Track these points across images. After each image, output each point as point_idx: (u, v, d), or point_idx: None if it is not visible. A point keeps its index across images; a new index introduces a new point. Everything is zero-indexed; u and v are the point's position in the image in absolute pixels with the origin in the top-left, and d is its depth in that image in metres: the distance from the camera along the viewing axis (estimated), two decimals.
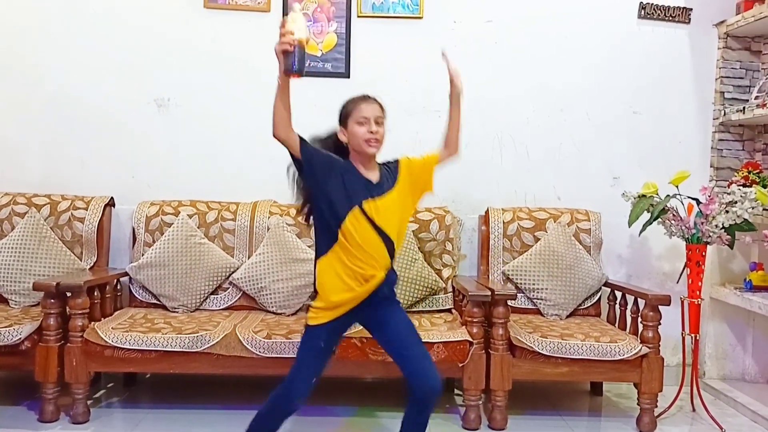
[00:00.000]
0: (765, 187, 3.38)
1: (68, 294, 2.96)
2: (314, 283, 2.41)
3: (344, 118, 2.41)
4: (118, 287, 3.46)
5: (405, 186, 2.42)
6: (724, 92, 3.83)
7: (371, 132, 2.34)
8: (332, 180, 2.33)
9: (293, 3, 2.46)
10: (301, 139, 2.32)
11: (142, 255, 3.42)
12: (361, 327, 2.57)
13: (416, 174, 2.46)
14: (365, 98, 2.42)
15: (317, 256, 2.39)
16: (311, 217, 2.46)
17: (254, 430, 2.44)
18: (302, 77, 2.22)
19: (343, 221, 2.30)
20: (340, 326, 2.42)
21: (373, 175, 2.40)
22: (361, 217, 2.31)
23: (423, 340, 2.54)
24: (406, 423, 2.44)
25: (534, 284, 3.47)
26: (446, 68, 2.47)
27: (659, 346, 3.07)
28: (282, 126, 2.26)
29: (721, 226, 3.25)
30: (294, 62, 2.18)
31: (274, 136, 2.28)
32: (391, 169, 2.45)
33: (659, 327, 3.07)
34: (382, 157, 2.47)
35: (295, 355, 2.62)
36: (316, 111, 3.73)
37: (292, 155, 2.34)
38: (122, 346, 2.92)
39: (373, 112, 2.37)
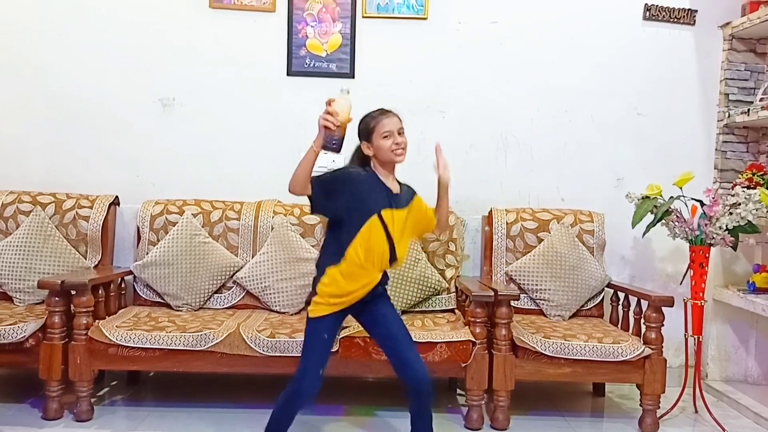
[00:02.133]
0: None
1: (73, 292, 2.98)
2: (314, 282, 2.51)
3: (367, 133, 2.52)
4: (123, 286, 3.47)
5: (412, 214, 2.58)
6: (728, 94, 3.82)
7: (396, 143, 2.48)
8: (346, 199, 2.44)
9: (343, 85, 2.62)
10: (311, 179, 2.43)
11: (147, 254, 3.43)
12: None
13: (421, 215, 2.64)
14: (385, 113, 2.53)
15: (326, 263, 2.49)
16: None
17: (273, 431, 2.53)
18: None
19: (359, 229, 2.43)
20: (338, 319, 2.55)
21: (394, 186, 2.55)
22: (377, 224, 2.45)
23: (426, 340, 2.88)
24: (413, 418, 2.58)
25: (537, 285, 3.47)
26: (436, 161, 2.58)
27: (662, 347, 3.07)
28: (299, 188, 2.42)
29: (724, 228, 3.25)
30: (333, 141, 2.37)
31: (289, 191, 2.43)
32: (407, 191, 2.61)
33: (662, 328, 3.07)
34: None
35: (298, 355, 2.78)
36: (320, 111, 3.78)
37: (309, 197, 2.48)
38: (126, 345, 2.93)
39: (394, 125, 2.50)
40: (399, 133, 2.50)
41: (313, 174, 2.42)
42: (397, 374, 2.54)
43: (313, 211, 2.56)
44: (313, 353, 2.49)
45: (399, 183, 2.60)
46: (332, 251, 2.48)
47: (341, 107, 2.38)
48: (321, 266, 2.51)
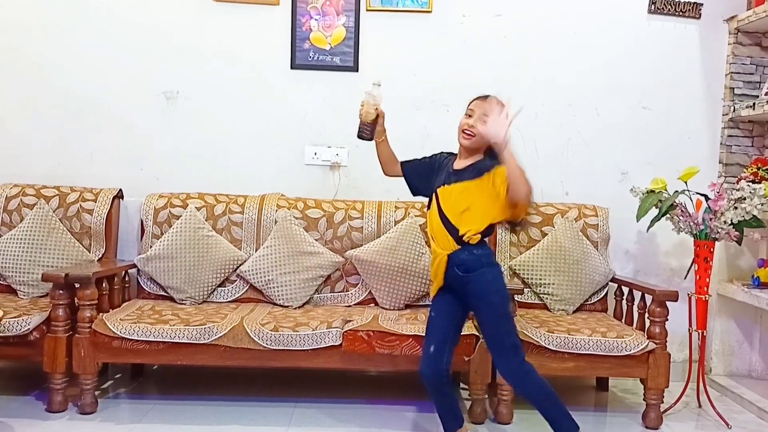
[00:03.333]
0: None
1: (77, 285, 2.98)
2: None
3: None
4: (127, 279, 3.48)
5: (484, 185, 2.51)
6: (734, 88, 3.80)
7: (469, 125, 2.56)
8: (431, 179, 2.66)
9: (375, 81, 2.74)
10: (402, 164, 2.74)
11: (150, 247, 3.44)
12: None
13: (487, 186, 2.52)
14: (485, 96, 2.61)
15: None
16: None
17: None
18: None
19: (430, 205, 2.64)
20: (447, 300, 2.63)
21: (465, 163, 2.60)
22: (434, 201, 2.60)
23: None
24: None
25: (541, 279, 3.47)
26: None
27: (666, 341, 3.06)
28: (387, 170, 2.76)
29: (729, 223, 3.24)
30: (366, 132, 2.68)
31: (385, 174, 2.78)
32: (483, 165, 2.55)
33: (666, 323, 3.07)
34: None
35: (301, 349, 2.93)
36: (324, 104, 3.79)
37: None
38: (130, 338, 2.93)
39: (476, 106, 2.58)
40: (482, 120, 2.51)
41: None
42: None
43: (413, 194, 2.77)
44: (426, 332, 2.68)
45: (485, 159, 2.55)
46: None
47: (374, 98, 2.68)
48: None
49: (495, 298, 2.54)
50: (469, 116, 2.56)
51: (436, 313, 2.64)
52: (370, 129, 2.67)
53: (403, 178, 2.75)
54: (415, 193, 2.77)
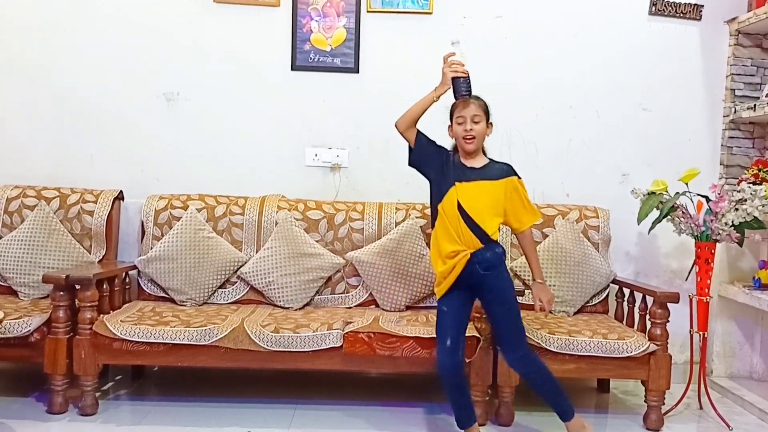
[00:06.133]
0: None
1: (77, 287, 2.98)
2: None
3: (450, 116, 2.79)
4: (127, 280, 3.48)
5: (500, 190, 2.76)
6: (734, 89, 3.80)
7: (466, 130, 2.71)
8: (437, 165, 2.75)
9: (454, 39, 2.88)
10: (419, 132, 2.77)
11: (151, 248, 3.44)
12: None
13: (508, 198, 2.79)
14: (467, 98, 2.73)
15: (432, 226, 2.81)
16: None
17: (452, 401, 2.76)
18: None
19: (442, 199, 2.70)
20: (459, 296, 2.74)
21: (475, 163, 2.77)
22: (453, 196, 2.68)
23: (431, 336, 2.92)
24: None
25: None
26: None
27: (667, 343, 3.06)
28: (406, 124, 2.75)
29: (730, 224, 3.23)
30: (466, 86, 2.70)
31: (395, 125, 2.76)
32: (499, 168, 2.80)
33: (667, 324, 3.06)
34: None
35: (302, 350, 2.96)
36: (324, 105, 3.79)
37: (409, 146, 2.79)
38: (131, 339, 2.93)
39: (469, 112, 2.71)
40: (473, 121, 2.70)
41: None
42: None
43: (410, 162, 2.79)
44: (439, 327, 2.73)
45: (492, 161, 2.80)
46: (433, 216, 2.78)
47: (462, 56, 2.71)
48: (432, 228, 2.79)
49: (512, 294, 2.78)
50: (461, 123, 2.72)
51: (448, 308, 2.73)
52: (467, 84, 2.69)
53: (407, 143, 2.78)
54: (413, 163, 2.80)
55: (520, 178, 2.81)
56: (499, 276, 2.74)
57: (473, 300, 2.81)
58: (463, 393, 2.74)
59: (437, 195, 2.74)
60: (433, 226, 2.80)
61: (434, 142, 2.79)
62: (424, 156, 2.77)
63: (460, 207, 2.67)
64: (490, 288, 2.73)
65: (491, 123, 2.79)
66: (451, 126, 2.79)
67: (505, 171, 2.78)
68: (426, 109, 2.72)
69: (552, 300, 2.88)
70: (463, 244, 2.67)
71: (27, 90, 3.74)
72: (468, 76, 2.70)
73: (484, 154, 2.82)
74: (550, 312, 3.44)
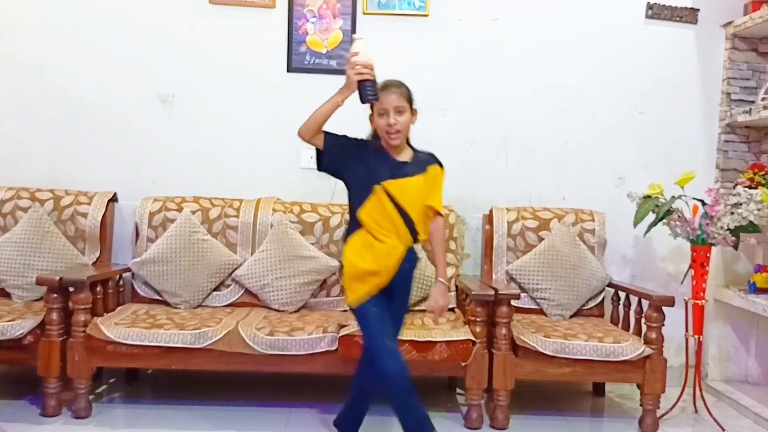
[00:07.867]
0: None
1: (71, 289, 2.97)
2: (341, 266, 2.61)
3: (372, 106, 2.48)
4: (121, 283, 3.46)
5: (428, 182, 2.51)
6: (730, 93, 3.81)
7: (390, 124, 2.43)
8: (354, 165, 2.46)
9: (354, 35, 2.54)
10: (326, 134, 2.46)
11: (145, 251, 3.42)
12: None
13: (428, 189, 2.52)
14: (386, 87, 2.44)
15: (344, 239, 2.54)
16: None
17: (404, 420, 2.42)
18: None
19: (365, 202, 2.43)
20: (381, 297, 2.46)
21: (404, 156, 2.51)
22: (383, 195, 2.41)
23: (426, 339, 2.93)
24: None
25: (537, 284, 3.46)
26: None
27: (662, 347, 3.06)
28: (310, 132, 2.43)
29: (726, 228, 3.23)
30: (372, 91, 2.35)
31: (298, 134, 2.45)
32: (425, 159, 2.53)
33: (663, 328, 3.06)
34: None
35: (297, 353, 2.91)
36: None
37: (317, 149, 2.49)
38: (124, 342, 2.92)
39: (390, 103, 2.42)
40: (397, 112, 2.42)
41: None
42: None
43: (319, 167, 2.51)
44: (372, 330, 2.43)
45: (416, 151, 2.54)
46: (351, 220, 2.51)
47: (367, 55, 2.34)
48: (344, 237, 2.54)
49: (408, 307, 2.66)
50: (382, 115, 2.44)
51: (378, 308, 2.44)
52: (374, 87, 2.35)
53: (314, 147, 2.48)
54: (325, 167, 2.50)
55: (443, 167, 2.55)
56: (410, 284, 2.58)
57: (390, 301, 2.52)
58: (417, 398, 2.40)
59: (361, 195, 2.44)
60: (349, 234, 2.51)
61: (345, 137, 2.49)
62: (339, 157, 2.46)
63: (395, 202, 2.42)
64: (399, 292, 2.53)
65: (415, 110, 2.51)
66: (371, 116, 2.49)
67: (430, 161, 2.53)
68: (330, 115, 2.41)
69: (445, 308, 2.59)
70: (400, 240, 2.44)
71: (22, 92, 3.72)
72: (374, 79, 2.35)
73: (409, 144, 2.56)
74: (545, 315, 3.44)
